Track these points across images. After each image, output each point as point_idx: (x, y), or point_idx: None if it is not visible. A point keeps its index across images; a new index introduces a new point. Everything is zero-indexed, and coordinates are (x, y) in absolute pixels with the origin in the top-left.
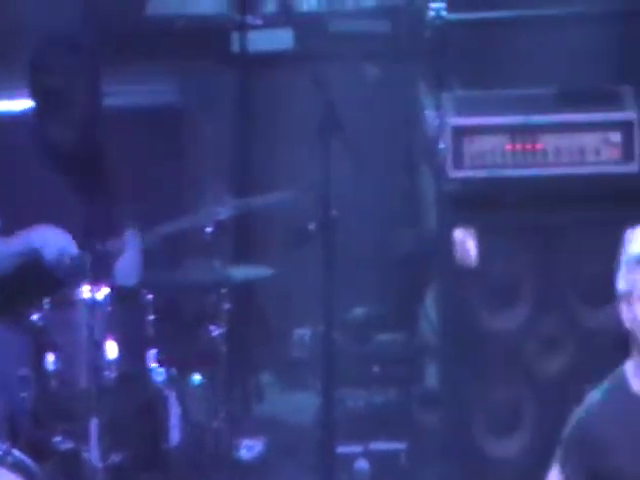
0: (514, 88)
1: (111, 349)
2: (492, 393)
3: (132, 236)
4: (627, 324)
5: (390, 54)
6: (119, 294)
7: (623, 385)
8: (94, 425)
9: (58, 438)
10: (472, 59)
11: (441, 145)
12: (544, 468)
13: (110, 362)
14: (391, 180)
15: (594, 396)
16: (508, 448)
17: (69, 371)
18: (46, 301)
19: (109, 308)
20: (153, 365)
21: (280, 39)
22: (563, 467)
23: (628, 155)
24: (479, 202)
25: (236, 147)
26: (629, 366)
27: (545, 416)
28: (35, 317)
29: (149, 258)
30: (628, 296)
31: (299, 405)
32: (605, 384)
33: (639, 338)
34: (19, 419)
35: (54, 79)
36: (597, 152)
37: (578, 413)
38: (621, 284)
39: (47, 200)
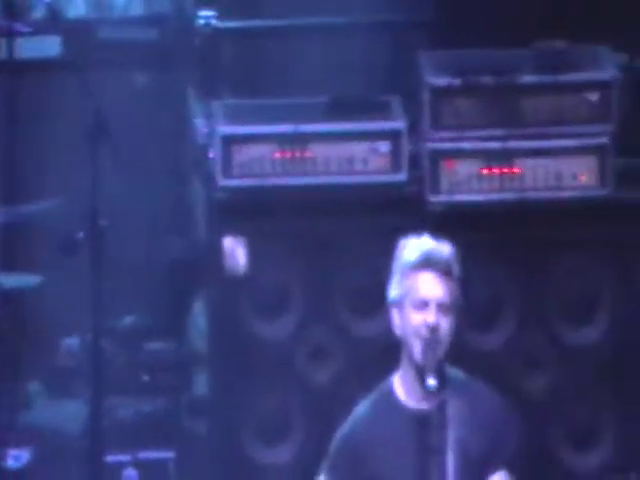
0: (284, 97)
1: None
2: (261, 401)
3: None
4: (398, 331)
5: (159, 62)
6: None
7: (390, 397)
8: None
9: None
10: (242, 67)
11: (211, 154)
12: (313, 476)
13: None
14: (161, 188)
15: (360, 409)
16: (277, 456)
17: None
18: None
19: None
20: None
21: (48, 46)
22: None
23: (396, 164)
24: (248, 210)
25: (4, 154)
26: (396, 377)
27: (314, 424)
28: None
29: None
30: (401, 303)
31: (67, 414)
32: (372, 396)
33: (409, 345)
34: None
35: None
36: (365, 161)
37: (344, 427)
38: (393, 291)
39: None
